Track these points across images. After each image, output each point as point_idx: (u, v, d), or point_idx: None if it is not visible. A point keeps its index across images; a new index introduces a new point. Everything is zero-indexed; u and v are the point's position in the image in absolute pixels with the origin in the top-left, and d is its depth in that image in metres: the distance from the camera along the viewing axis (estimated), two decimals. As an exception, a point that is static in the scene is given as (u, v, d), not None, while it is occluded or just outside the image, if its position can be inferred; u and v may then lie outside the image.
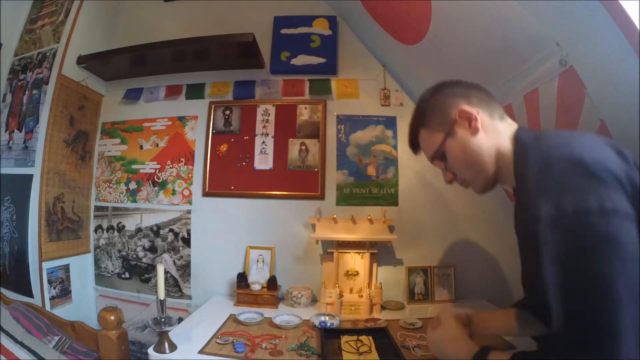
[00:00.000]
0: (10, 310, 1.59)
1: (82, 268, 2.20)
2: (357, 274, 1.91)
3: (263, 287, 1.93)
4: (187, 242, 2.17)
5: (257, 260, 2.07)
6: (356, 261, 1.92)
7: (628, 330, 0.58)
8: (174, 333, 1.42)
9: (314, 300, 1.97)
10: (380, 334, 1.51)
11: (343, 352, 1.34)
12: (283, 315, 1.69)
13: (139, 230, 2.23)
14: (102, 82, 2.34)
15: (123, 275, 2.24)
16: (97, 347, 1.50)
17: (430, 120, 0.97)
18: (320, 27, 2.20)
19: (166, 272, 2.15)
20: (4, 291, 1.91)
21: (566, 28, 1.07)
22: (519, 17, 1.17)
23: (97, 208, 2.30)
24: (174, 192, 2.20)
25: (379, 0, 1.75)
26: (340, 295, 1.81)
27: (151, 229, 2.21)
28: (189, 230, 2.16)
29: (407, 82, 2.14)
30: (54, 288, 1.97)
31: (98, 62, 2.14)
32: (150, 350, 1.32)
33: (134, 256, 2.22)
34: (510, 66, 1.36)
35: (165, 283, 1.68)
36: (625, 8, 0.88)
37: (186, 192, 2.18)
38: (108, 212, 2.28)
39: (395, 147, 2.12)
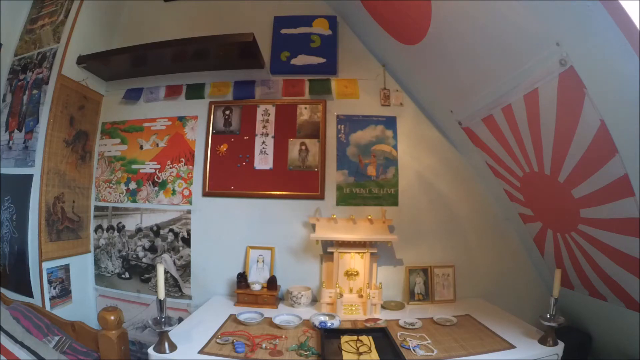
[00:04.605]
0: (10, 310, 1.59)
1: (82, 268, 2.20)
2: (357, 274, 1.91)
3: (263, 287, 1.93)
4: (187, 242, 2.16)
5: (257, 260, 2.07)
6: (356, 261, 1.92)
7: None
8: (174, 333, 1.42)
9: (313, 300, 1.97)
10: (380, 334, 1.51)
11: (343, 352, 1.34)
12: (283, 315, 1.69)
13: (139, 230, 2.23)
14: (102, 82, 2.34)
15: (123, 275, 2.24)
16: (97, 347, 1.50)
17: None
18: (320, 27, 2.20)
19: (166, 272, 2.15)
20: (4, 291, 1.90)
21: (566, 28, 1.07)
22: (519, 17, 1.17)
23: (97, 208, 2.30)
24: (174, 192, 2.20)
25: (379, 0, 1.75)
26: (340, 295, 1.81)
27: (151, 229, 2.21)
28: (189, 230, 2.16)
29: (407, 82, 2.14)
30: (54, 288, 1.96)
31: (98, 62, 2.14)
32: (150, 350, 1.32)
33: (134, 256, 2.22)
34: (510, 66, 1.36)
35: (165, 283, 1.68)
36: (625, 8, 0.88)
37: (186, 192, 2.18)
38: (108, 212, 2.28)
39: (395, 147, 2.12)
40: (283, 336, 1.48)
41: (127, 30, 2.40)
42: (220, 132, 2.20)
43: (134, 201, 2.24)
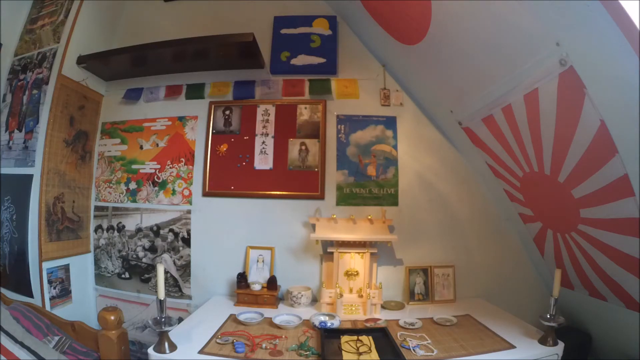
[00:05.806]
0: (10, 310, 1.59)
1: (82, 268, 2.20)
2: (357, 273, 1.91)
3: (263, 287, 1.93)
4: (187, 242, 2.16)
5: (257, 260, 2.07)
6: (356, 261, 1.92)
7: None
8: (174, 333, 1.42)
9: (313, 300, 1.97)
10: (380, 334, 1.51)
11: (343, 352, 1.34)
12: (283, 315, 1.69)
13: (139, 230, 2.23)
14: (102, 82, 2.34)
15: (123, 275, 2.24)
16: (97, 347, 1.50)
17: None
18: (320, 27, 2.20)
19: (166, 272, 2.15)
20: (4, 291, 1.90)
21: (566, 28, 1.07)
22: (519, 17, 1.17)
23: (97, 208, 2.30)
24: (174, 192, 2.20)
25: (379, 0, 1.75)
26: (340, 295, 1.81)
27: (151, 229, 2.21)
28: (189, 230, 2.16)
29: (407, 82, 2.14)
30: (54, 288, 1.96)
31: (98, 62, 2.14)
32: (150, 350, 1.32)
33: (134, 256, 2.22)
34: (510, 66, 1.36)
35: (165, 283, 1.68)
36: (625, 8, 0.88)
37: (186, 192, 2.18)
38: (108, 212, 2.28)
39: (395, 147, 2.12)
40: (283, 336, 1.48)
41: (127, 30, 2.40)
42: (220, 132, 2.20)
43: (134, 201, 2.24)
